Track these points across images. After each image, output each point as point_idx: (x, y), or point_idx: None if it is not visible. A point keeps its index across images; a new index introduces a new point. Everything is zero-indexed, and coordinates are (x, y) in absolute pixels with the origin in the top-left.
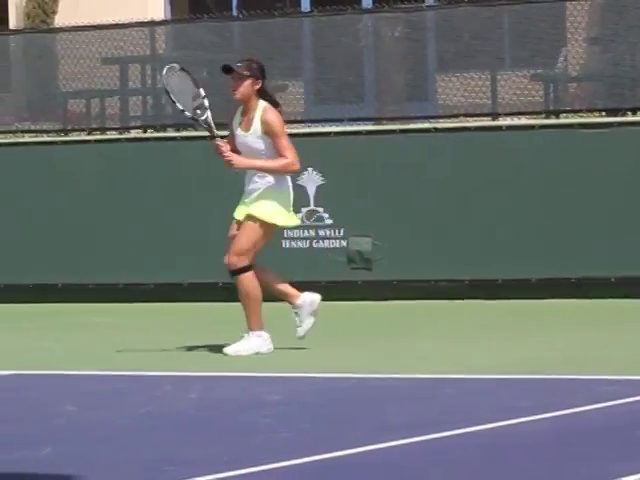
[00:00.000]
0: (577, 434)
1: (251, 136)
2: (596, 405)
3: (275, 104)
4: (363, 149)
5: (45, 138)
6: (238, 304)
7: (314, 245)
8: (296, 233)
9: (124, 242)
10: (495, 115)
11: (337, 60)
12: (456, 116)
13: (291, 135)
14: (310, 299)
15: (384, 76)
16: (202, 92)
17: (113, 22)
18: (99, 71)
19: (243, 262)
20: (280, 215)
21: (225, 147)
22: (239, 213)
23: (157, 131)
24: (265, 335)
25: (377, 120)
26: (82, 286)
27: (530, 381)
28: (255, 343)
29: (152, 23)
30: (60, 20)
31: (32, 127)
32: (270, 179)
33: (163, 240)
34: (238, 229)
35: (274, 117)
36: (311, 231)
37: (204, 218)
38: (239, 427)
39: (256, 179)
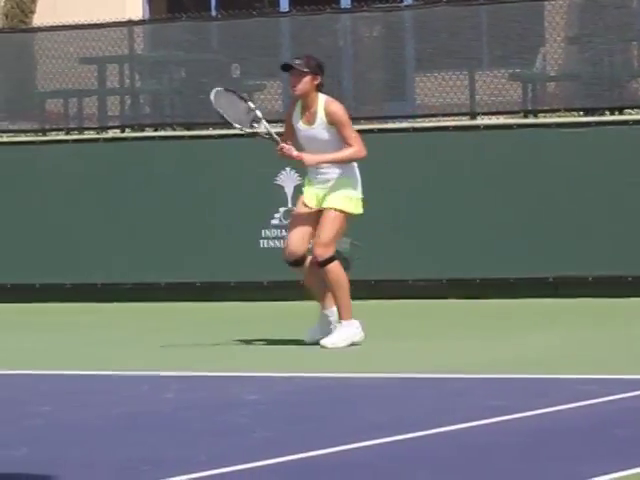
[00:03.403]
0: (553, 433)
1: (317, 128)
2: (572, 404)
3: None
4: None
5: (23, 138)
6: (212, 304)
7: None
8: (274, 233)
9: (101, 242)
10: (473, 114)
11: None
12: (434, 115)
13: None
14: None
15: (362, 76)
16: (252, 105)
17: (91, 22)
18: (77, 71)
19: (329, 252)
20: (357, 203)
21: (291, 149)
22: (312, 200)
23: (135, 131)
24: (356, 323)
25: (355, 120)
26: (59, 285)
27: (506, 381)
28: (350, 332)
29: (130, 23)
30: (38, 20)
31: (10, 127)
32: (340, 166)
33: (139, 240)
34: (309, 214)
35: (338, 107)
36: None
37: (178, 218)
38: (216, 427)
39: (324, 168)
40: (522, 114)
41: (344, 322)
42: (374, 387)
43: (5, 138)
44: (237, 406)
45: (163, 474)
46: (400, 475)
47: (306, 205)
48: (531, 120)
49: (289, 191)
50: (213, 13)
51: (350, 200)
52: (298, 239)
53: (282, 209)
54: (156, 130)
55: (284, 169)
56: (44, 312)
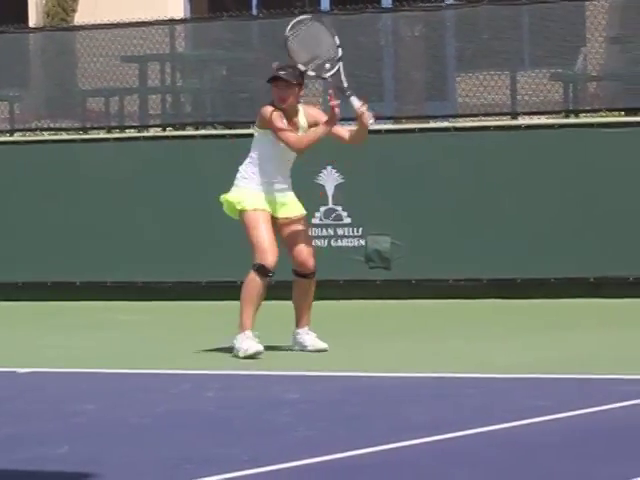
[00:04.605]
0: (596, 434)
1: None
2: (616, 404)
3: None
4: (382, 148)
5: (64, 136)
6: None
7: (332, 244)
8: (315, 232)
9: (143, 240)
10: (514, 114)
11: (356, 59)
12: (475, 115)
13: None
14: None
15: (403, 75)
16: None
17: (133, 20)
18: (118, 69)
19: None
20: None
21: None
22: (267, 206)
23: (176, 129)
24: None
25: (396, 119)
26: (100, 284)
27: (549, 381)
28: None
29: (171, 21)
30: (79, 18)
31: (51, 125)
32: (289, 179)
33: (181, 239)
34: (269, 222)
35: (316, 109)
36: (329, 230)
37: (221, 217)
38: (258, 426)
39: (282, 179)
40: (563, 114)
41: (308, 329)
42: (416, 387)
43: (46, 136)
44: (279, 405)
45: (205, 473)
46: (442, 475)
47: (263, 210)
48: (572, 120)
49: (330, 190)
50: (254, 12)
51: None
52: (274, 248)
53: (323, 208)
54: (197, 129)
55: (325, 168)
56: (85, 310)
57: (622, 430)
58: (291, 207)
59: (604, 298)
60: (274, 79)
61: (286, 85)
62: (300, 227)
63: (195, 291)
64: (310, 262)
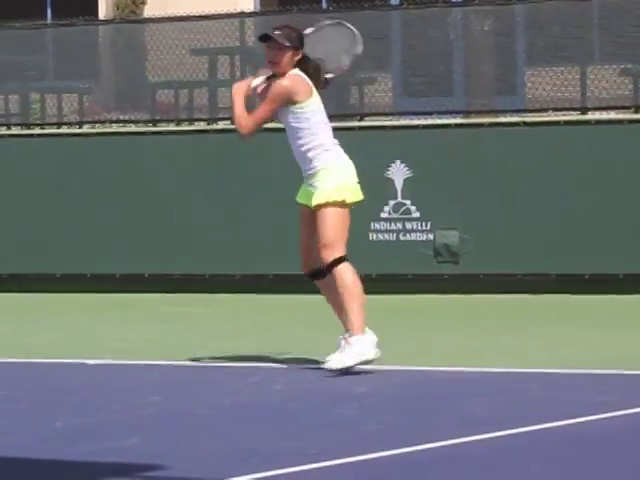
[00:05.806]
0: None
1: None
2: None
3: (317, 72)
4: (451, 142)
5: (133, 128)
6: (319, 297)
7: (401, 238)
8: (383, 226)
9: (211, 233)
10: (584, 109)
11: (426, 53)
12: (545, 110)
13: (379, 128)
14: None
15: (473, 70)
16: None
17: (202, 13)
18: (188, 62)
19: (335, 254)
20: (347, 190)
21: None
22: (303, 197)
23: None
24: (368, 339)
25: (466, 113)
26: (166, 276)
27: (616, 376)
28: (360, 349)
29: (241, 14)
30: (149, 11)
31: (120, 117)
32: (323, 157)
33: (249, 231)
34: (306, 215)
35: (283, 82)
36: (398, 224)
37: (290, 210)
38: (325, 419)
39: (307, 164)
40: (633, 109)
41: (354, 338)
42: (482, 381)
43: (115, 128)
44: (346, 399)
45: (272, 466)
46: (508, 470)
47: (299, 203)
48: None
49: (399, 184)
50: (324, 5)
51: (336, 190)
52: (304, 247)
53: (392, 202)
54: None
55: (394, 162)
56: (152, 302)
57: None
58: (312, 198)
59: None
60: (265, 38)
61: (278, 47)
62: (317, 219)
63: (262, 284)
64: (319, 255)
